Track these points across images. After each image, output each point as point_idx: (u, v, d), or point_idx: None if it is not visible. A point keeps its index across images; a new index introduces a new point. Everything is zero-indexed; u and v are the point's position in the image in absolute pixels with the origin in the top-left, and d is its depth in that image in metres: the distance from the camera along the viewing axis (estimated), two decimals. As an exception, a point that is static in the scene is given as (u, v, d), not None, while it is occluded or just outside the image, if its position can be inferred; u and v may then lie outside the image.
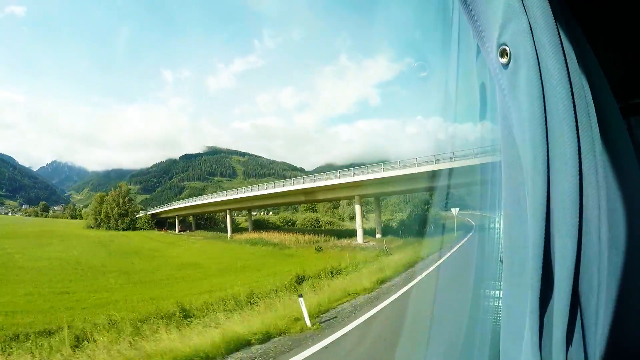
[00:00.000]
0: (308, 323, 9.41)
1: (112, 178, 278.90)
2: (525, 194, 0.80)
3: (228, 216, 68.91)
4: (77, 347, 9.15)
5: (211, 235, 71.47)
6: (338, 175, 47.92)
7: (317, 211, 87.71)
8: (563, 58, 0.74)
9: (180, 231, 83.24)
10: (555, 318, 0.79)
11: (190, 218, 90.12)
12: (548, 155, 0.75)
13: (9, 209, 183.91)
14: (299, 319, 9.49)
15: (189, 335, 8.97)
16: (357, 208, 47.20)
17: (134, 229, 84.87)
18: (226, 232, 68.06)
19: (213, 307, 13.00)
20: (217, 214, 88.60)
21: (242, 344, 8.24)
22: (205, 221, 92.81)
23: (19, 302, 18.41)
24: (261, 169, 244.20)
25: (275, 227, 72.43)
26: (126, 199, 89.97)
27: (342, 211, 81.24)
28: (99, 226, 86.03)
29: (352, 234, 51.58)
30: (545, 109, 0.75)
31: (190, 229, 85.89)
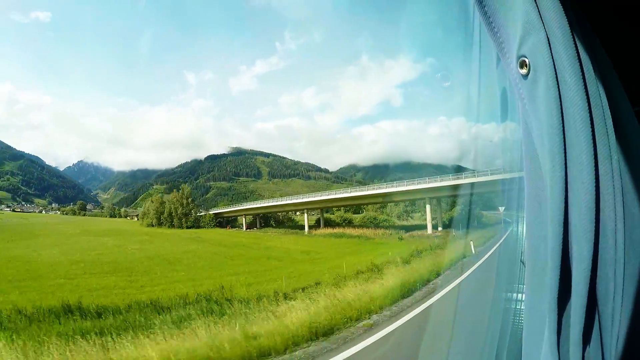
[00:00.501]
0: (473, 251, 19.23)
1: (137, 178, 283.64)
2: (546, 198, 0.83)
3: (305, 215, 79.93)
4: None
5: (284, 231, 79.95)
6: (415, 182, 59.81)
7: (365, 211, 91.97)
8: (580, 69, 0.77)
9: (247, 229, 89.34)
10: (572, 318, 0.81)
11: (249, 218, 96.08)
12: (566, 162, 0.78)
13: (41, 207, 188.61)
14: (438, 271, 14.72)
15: (371, 286, 13.06)
16: (428, 207, 57.04)
17: (197, 227, 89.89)
18: (294, 228, 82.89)
19: (364, 274, 17.58)
20: (278, 213, 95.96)
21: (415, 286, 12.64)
22: (266, 220, 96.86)
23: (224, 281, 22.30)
24: (286, 169, 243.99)
25: (336, 224, 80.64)
26: (189, 199, 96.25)
27: (390, 211, 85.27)
28: (160, 225, 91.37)
29: (414, 228, 62.21)
30: (563, 117, 0.78)
31: (254, 227, 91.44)
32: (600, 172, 0.77)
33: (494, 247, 20.10)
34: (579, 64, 0.78)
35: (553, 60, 0.79)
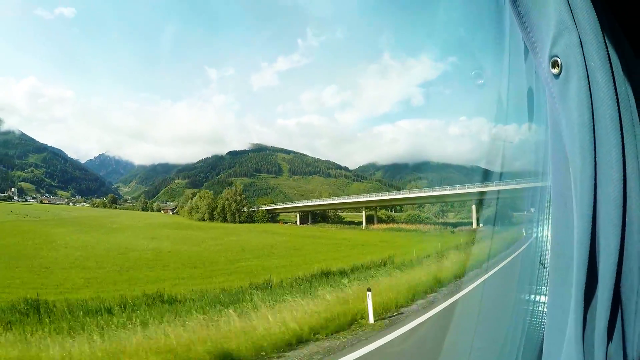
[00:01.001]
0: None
1: (158, 172, 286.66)
2: (572, 196, 0.85)
3: (363, 212, 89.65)
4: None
5: (339, 226, 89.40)
6: (465, 187, 67.73)
7: (404, 210, 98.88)
8: (610, 70, 0.79)
9: (301, 224, 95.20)
10: (598, 313, 0.83)
11: (295, 215, 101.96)
12: (595, 160, 0.80)
13: (66, 199, 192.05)
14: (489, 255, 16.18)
15: (446, 262, 18.72)
16: (473, 207, 65.99)
17: (250, 222, 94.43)
18: (345, 224, 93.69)
19: (432, 257, 21.72)
20: (327, 210, 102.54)
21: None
22: (314, 217, 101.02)
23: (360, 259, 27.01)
24: (306, 167, 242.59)
25: (383, 221, 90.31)
26: (242, 196, 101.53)
27: (428, 210, 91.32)
28: (211, 219, 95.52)
29: (456, 224, 70.38)
30: (593, 117, 0.80)
31: (306, 223, 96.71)
32: (628, 169, 0.78)
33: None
34: (609, 65, 0.80)
35: (585, 61, 0.81)
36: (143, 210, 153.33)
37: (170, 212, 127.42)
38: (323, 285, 13.86)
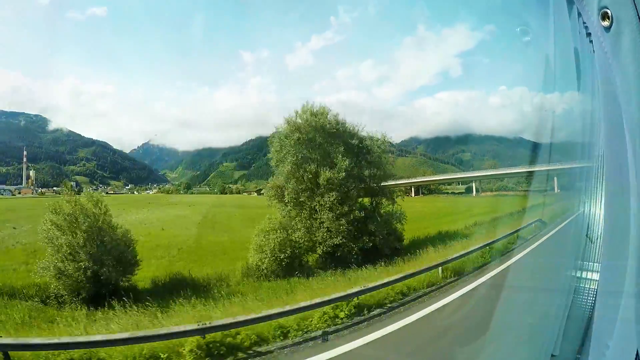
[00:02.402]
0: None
1: (203, 156, 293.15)
2: (629, 163, 0.77)
3: (474, 184, 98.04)
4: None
5: (455, 196, 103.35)
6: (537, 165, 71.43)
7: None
8: None
9: (414, 195, 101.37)
10: None
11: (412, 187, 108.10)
12: None
13: (126, 189, 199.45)
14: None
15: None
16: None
17: None
18: (449, 194, 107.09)
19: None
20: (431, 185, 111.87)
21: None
22: (417, 189, 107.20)
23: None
24: None
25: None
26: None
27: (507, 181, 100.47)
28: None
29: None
30: None
31: (418, 194, 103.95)
32: None
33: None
34: None
35: (637, 11, 0.72)
36: (222, 193, 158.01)
37: (256, 194, 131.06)
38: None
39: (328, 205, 22.47)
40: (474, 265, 15.71)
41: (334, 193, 22.52)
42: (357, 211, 23.64)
